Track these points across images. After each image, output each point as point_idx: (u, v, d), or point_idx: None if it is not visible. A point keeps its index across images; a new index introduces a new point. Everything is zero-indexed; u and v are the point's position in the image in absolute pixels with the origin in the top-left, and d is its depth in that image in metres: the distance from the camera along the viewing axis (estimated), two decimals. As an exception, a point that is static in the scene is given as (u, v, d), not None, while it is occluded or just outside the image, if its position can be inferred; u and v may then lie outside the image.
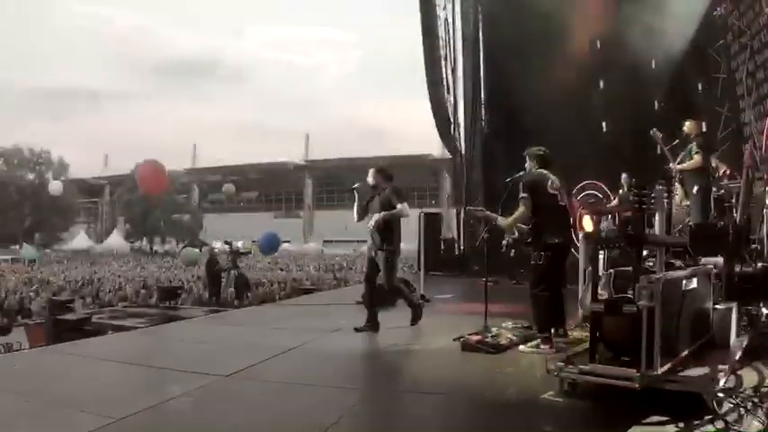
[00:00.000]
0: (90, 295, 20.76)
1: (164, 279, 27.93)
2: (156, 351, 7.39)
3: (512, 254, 9.32)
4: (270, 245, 22.13)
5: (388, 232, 8.78)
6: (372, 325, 8.68)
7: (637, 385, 4.31)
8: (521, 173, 7.47)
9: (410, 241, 15.17)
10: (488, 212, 7.96)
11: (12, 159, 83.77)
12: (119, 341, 8.97)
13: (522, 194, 6.95)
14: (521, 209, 6.98)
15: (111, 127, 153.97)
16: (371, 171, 9.50)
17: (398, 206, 8.74)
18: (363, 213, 9.18)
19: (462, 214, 23.22)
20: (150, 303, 19.25)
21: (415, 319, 8.97)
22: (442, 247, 23.07)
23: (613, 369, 4.58)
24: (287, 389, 5.66)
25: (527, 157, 7.35)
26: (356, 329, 8.54)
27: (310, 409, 4.89)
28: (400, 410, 4.79)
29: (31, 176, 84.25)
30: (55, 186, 58.23)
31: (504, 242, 9.08)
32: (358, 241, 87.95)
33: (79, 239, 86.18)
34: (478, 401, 5.11)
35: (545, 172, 7.10)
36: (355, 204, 9.38)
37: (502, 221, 7.47)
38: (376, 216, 8.65)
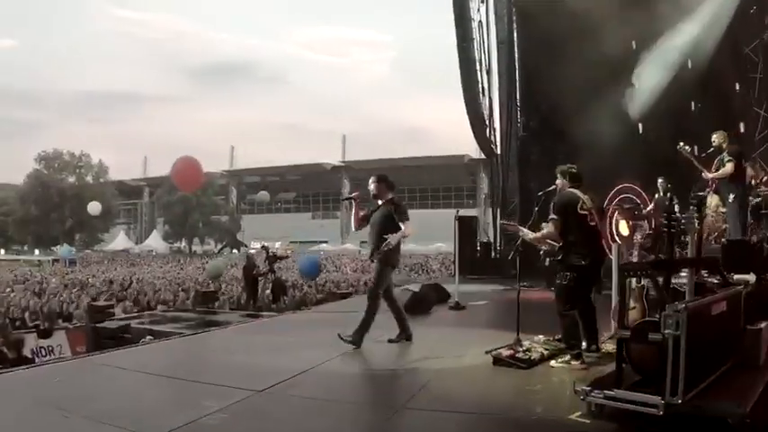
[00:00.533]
0: (129, 298, 21.02)
1: (202, 281, 28.15)
2: (191, 363, 7.47)
3: (547, 263, 9.28)
4: (310, 270, 22.19)
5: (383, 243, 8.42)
6: (405, 335, 8.67)
7: (660, 413, 4.32)
8: (553, 187, 7.46)
9: (449, 243, 15.22)
10: (519, 227, 7.90)
11: (53, 163, 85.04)
12: (156, 352, 9.06)
13: (551, 216, 6.92)
14: (549, 229, 6.96)
15: (150, 129, 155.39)
16: (372, 179, 9.03)
17: (401, 226, 8.49)
18: (364, 223, 8.93)
19: (498, 220, 23.15)
20: (188, 307, 19.43)
21: (356, 334, 8.39)
22: (478, 250, 22.99)
23: (638, 396, 4.57)
24: (317, 405, 5.71)
25: (558, 174, 7.33)
26: (390, 341, 8.55)
27: (339, 428, 4.93)
28: (429, 430, 4.81)
29: (71, 179, 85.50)
30: (94, 207, 58.98)
31: (541, 250, 8.96)
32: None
33: (119, 240, 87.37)
34: (506, 421, 5.12)
35: (576, 192, 7.05)
36: (351, 213, 9.17)
37: (531, 237, 7.45)
38: (389, 240, 8.29)
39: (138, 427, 4.93)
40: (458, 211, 14.87)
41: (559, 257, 7.00)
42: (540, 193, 7.83)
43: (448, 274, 18.75)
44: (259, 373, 6.74)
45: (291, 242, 78.01)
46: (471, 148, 78.45)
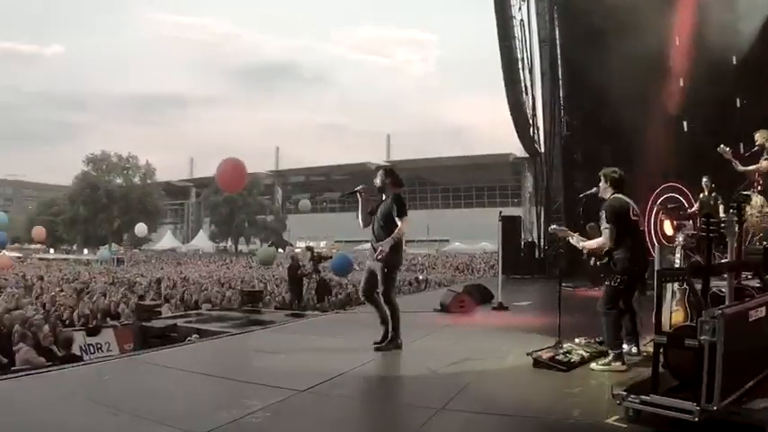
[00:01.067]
0: (176, 297, 21.27)
1: (247, 279, 28.38)
2: (235, 361, 7.57)
3: (592, 262, 9.25)
4: (341, 268, 22.21)
5: (398, 241, 8.26)
6: (395, 344, 8.23)
7: (696, 419, 4.32)
8: (594, 189, 7.43)
9: (494, 242, 15.23)
10: (570, 233, 7.87)
11: (101, 164, 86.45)
12: (201, 351, 9.20)
13: (605, 225, 6.88)
14: (604, 238, 6.94)
15: (196, 130, 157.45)
16: (380, 171, 8.71)
17: (398, 222, 8.16)
18: (369, 220, 8.58)
19: (542, 220, 23.10)
20: (234, 307, 19.62)
21: (392, 342, 8.20)
22: (522, 250, 22.96)
23: (673, 401, 4.57)
24: (358, 406, 5.83)
25: (601, 177, 7.29)
26: (376, 348, 8.18)
27: (378, 428, 5.00)
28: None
29: (119, 180, 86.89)
30: (141, 229, 59.87)
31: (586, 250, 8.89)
32: (440, 241, 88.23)
33: (166, 240, 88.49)
34: (543, 424, 5.13)
35: (625, 198, 7.03)
36: (359, 208, 8.71)
37: (583, 245, 7.43)
38: (381, 244, 8.10)
39: (183, 424, 5.02)
40: (501, 212, 14.80)
41: (610, 261, 6.97)
42: (581, 196, 7.81)
43: (492, 274, 18.69)
44: (301, 373, 6.81)
45: (336, 241, 78.23)
46: (516, 147, 78.05)
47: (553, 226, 8.81)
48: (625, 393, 4.88)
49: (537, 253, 23.45)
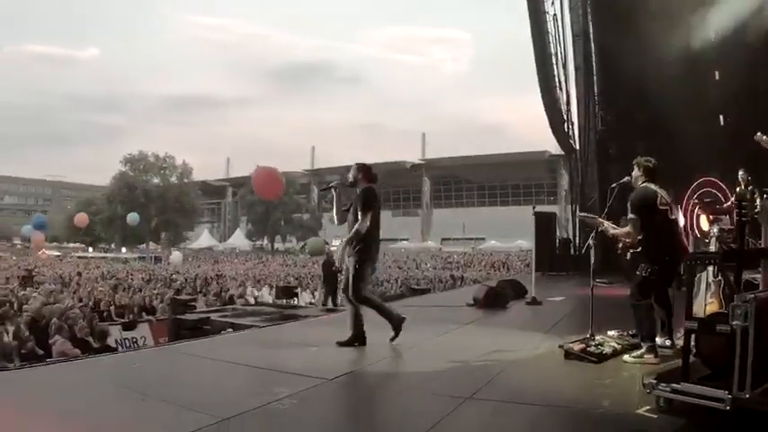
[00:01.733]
0: (211, 293, 21.46)
1: (283, 276, 28.57)
2: (266, 352, 7.58)
3: (628, 256, 9.13)
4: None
5: (358, 237, 7.94)
6: (358, 340, 8.03)
7: (727, 407, 4.23)
8: (626, 178, 7.35)
9: (529, 240, 15.18)
10: (599, 219, 7.76)
11: (138, 164, 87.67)
12: (232, 342, 9.25)
13: (630, 215, 6.80)
14: (629, 228, 6.86)
15: (232, 131, 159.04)
16: (353, 166, 8.42)
17: (360, 218, 7.88)
18: (343, 217, 8.38)
19: (577, 214, 22.91)
20: (268, 302, 19.75)
21: (396, 330, 8.03)
22: (557, 247, 22.82)
23: (705, 389, 4.47)
24: (385, 395, 5.81)
25: (635, 166, 7.20)
26: (339, 344, 7.99)
27: (404, 416, 4.97)
28: (495, 421, 4.79)
29: (156, 180, 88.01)
30: (175, 257, 60.47)
31: (620, 244, 8.76)
32: (475, 239, 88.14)
33: (203, 238, 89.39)
34: (572, 413, 5.08)
35: (653, 187, 6.90)
36: (334, 205, 8.53)
37: (611, 232, 7.34)
38: (344, 240, 8.02)
39: (209, 410, 5.04)
40: (534, 207, 14.71)
41: (641, 251, 6.88)
42: (612, 185, 7.71)
43: (528, 272, 18.56)
44: (331, 364, 6.80)
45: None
46: (551, 145, 77.75)
47: (582, 213, 8.67)
48: (655, 382, 4.80)
49: (572, 250, 23.27)
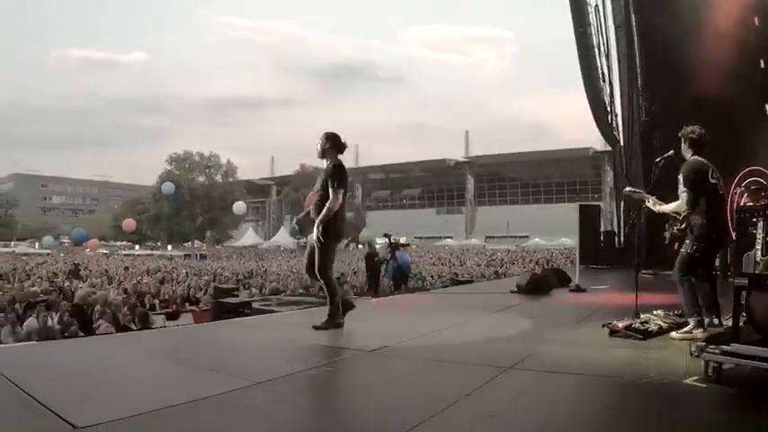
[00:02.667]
0: (255, 286, 21.63)
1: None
2: (306, 330, 7.63)
3: (676, 246, 9.00)
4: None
5: (329, 215, 7.61)
6: (334, 322, 7.71)
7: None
8: (671, 152, 7.24)
9: (574, 237, 15.10)
10: (645, 195, 7.63)
11: (183, 163, 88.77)
12: (271, 321, 9.34)
13: (682, 189, 6.68)
14: (680, 202, 6.74)
15: (275, 131, 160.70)
16: (321, 135, 7.99)
17: (331, 194, 7.56)
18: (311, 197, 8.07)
19: (622, 205, 22.70)
20: (311, 294, 19.87)
21: (331, 319, 7.68)
22: (602, 240, 22.64)
23: (757, 350, 4.34)
24: (423, 365, 5.74)
25: (681, 139, 7.07)
26: (314, 327, 7.68)
27: (443, 384, 4.95)
28: (535, 388, 4.74)
29: (201, 179, 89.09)
30: (239, 207, 61.41)
31: (667, 234, 8.61)
32: (519, 237, 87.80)
33: (248, 236, 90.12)
34: (615, 383, 4.97)
35: (704, 161, 6.78)
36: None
37: (658, 208, 7.22)
38: (317, 222, 7.59)
39: (241, 374, 5.12)
40: (578, 199, 14.67)
41: (685, 227, 6.75)
42: (657, 160, 7.59)
43: (572, 268, 18.42)
44: (370, 338, 6.84)
45: (416, 237, 78.57)
46: (596, 141, 77.33)
47: (627, 188, 8.51)
48: (704, 344, 4.72)
49: (617, 242, 23.04)
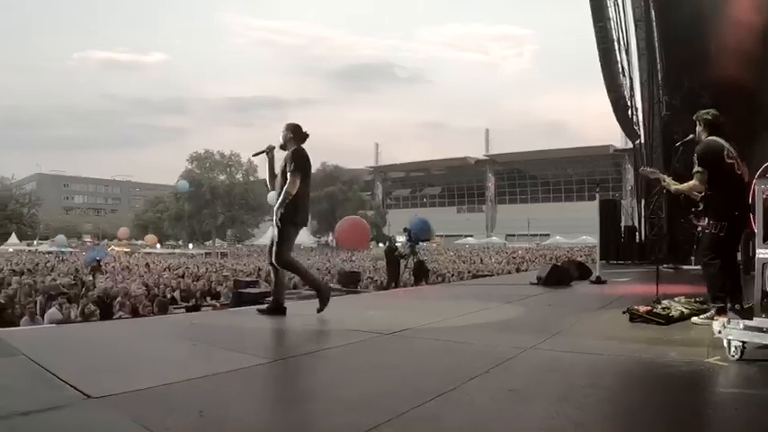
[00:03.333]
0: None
1: (347, 269, 28.76)
2: (325, 314, 7.65)
3: (699, 231, 8.93)
4: (421, 231, 22.04)
5: (286, 198, 7.55)
6: (275, 308, 7.68)
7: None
8: (690, 136, 7.21)
9: (594, 235, 15.05)
10: (661, 174, 7.59)
11: (204, 162, 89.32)
12: (293, 307, 9.42)
13: (696, 168, 6.62)
14: (694, 182, 6.69)
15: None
16: (283, 127, 7.97)
17: (288, 178, 7.49)
18: (273, 181, 8.03)
19: (643, 202, 22.61)
20: (333, 287, 20.00)
21: (323, 302, 7.60)
22: (623, 236, 22.56)
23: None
24: (439, 346, 5.75)
25: (696, 121, 7.05)
26: (259, 311, 7.78)
27: (462, 362, 4.95)
28: (553, 366, 4.71)
29: (222, 177, 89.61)
30: (271, 197, 62.31)
31: (699, 229, 8.50)
32: (540, 235, 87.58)
33: (269, 235, 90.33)
34: (637, 362, 4.93)
35: (718, 140, 6.70)
36: (267, 170, 8.20)
37: (674, 188, 7.17)
38: (275, 207, 7.61)
39: (259, 353, 5.23)
40: (597, 186, 14.61)
41: (705, 209, 6.71)
42: (677, 144, 7.57)
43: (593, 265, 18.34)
44: (388, 323, 6.83)
45: (437, 235, 78.58)
46: (616, 139, 77.08)
47: (643, 167, 8.50)
48: (726, 320, 4.70)
49: (638, 238, 22.94)
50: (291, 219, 7.65)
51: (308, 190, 7.81)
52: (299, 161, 7.61)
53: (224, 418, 3.40)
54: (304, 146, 7.84)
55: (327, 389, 4.09)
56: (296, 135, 7.84)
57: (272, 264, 7.89)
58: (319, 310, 7.53)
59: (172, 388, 3.93)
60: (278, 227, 7.57)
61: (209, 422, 3.30)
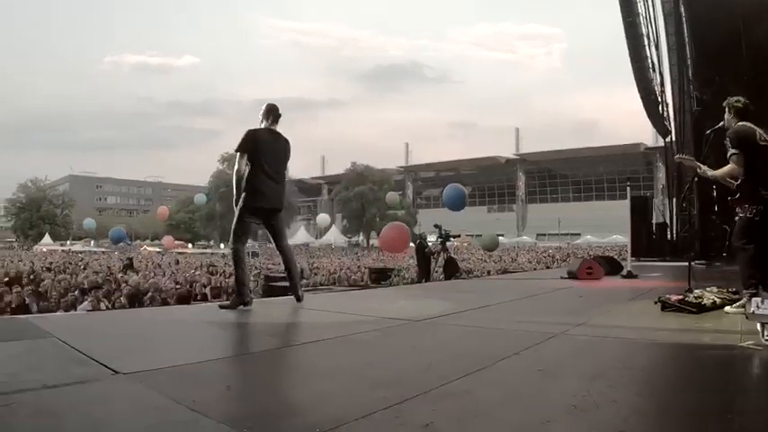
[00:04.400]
0: (306, 278, 21.97)
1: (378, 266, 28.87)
2: (357, 303, 7.70)
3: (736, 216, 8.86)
4: (454, 201, 22.01)
5: (236, 180, 7.54)
6: (239, 299, 7.32)
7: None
8: (721, 123, 7.19)
9: (625, 234, 15.00)
10: (697, 162, 7.57)
11: (235, 162, 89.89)
12: (324, 298, 9.50)
13: (732, 151, 6.58)
14: (731, 165, 6.64)
15: (325, 131, 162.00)
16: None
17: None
18: None
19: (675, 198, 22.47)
20: (361, 284, 20.09)
21: (235, 298, 7.40)
22: (654, 232, 22.42)
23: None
24: (469, 330, 5.80)
25: (726, 108, 7.03)
26: (221, 306, 7.50)
27: (492, 346, 4.97)
28: (584, 350, 4.71)
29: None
30: (323, 219, 63.11)
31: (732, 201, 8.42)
32: (571, 234, 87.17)
33: (299, 235, 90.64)
34: (670, 346, 4.91)
35: (749, 124, 6.73)
36: None
37: (711, 174, 7.14)
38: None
39: (294, 337, 5.46)
40: (628, 181, 14.57)
41: (740, 193, 6.66)
42: (708, 132, 7.56)
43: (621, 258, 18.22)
44: (419, 312, 6.92)
45: (467, 235, 78.56)
46: (647, 137, 76.64)
47: (678, 155, 8.44)
48: (759, 299, 4.70)
49: (669, 234, 22.79)
50: (246, 203, 7.55)
51: (262, 171, 7.55)
52: (243, 140, 7.50)
53: (250, 392, 3.48)
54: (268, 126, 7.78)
55: (356, 368, 4.11)
56: (269, 114, 7.79)
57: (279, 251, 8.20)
58: (223, 306, 7.40)
59: (200, 366, 4.01)
60: (236, 213, 7.56)
61: (235, 395, 3.38)
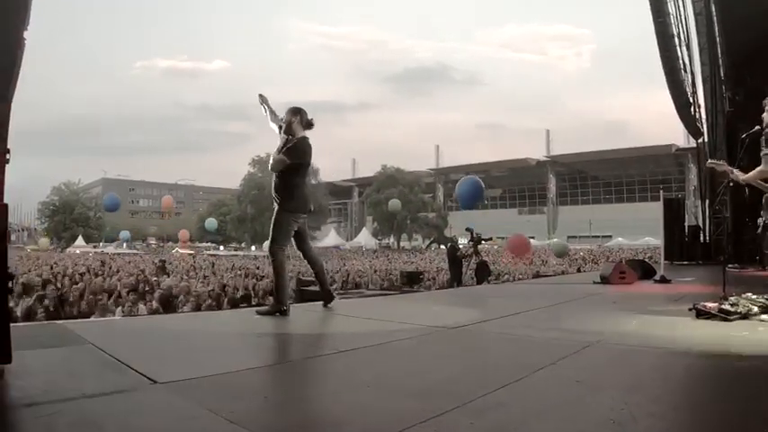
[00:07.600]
0: (338, 281, 22.06)
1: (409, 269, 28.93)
2: (391, 310, 7.71)
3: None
4: (470, 195, 21.98)
5: (282, 186, 7.56)
6: (276, 308, 7.29)
7: None
8: (756, 128, 7.11)
9: (658, 236, 14.90)
10: (729, 167, 7.50)
11: (266, 166, 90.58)
12: (357, 303, 9.50)
13: (765, 151, 6.56)
14: (763, 166, 6.58)
15: (356, 134, 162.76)
16: (287, 110, 7.85)
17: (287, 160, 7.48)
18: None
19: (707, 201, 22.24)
20: (394, 287, 20.12)
21: (274, 305, 7.41)
22: (687, 235, 22.19)
23: None
24: (503, 338, 5.79)
25: (765, 108, 6.94)
26: (258, 312, 7.44)
27: (527, 355, 4.93)
28: (620, 360, 4.66)
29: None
30: (394, 204, 63.83)
31: (761, 220, 8.34)
32: (602, 236, 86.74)
33: (330, 237, 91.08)
34: (706, 355, 4.84)
35: None
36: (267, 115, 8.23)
37: (743, 177, 7.07)
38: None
39: (327, 345, 5.47)
40: (661, 184, 14.43)
41: None
42: (743, 136, 7.47)
43: (653, 262, 18.06)
44: (453, 319, 6.88)
45: (498, 237, 78.44)
46: (678, 138, 75.99)
47: (710, 160, 8.35)
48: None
49: (702, 237, 22.52)
50: (292, 207, 7.56)
51: (304, 180, 7.78)
52: (304, 152, 7.61)
53: (288, 403, 3.53)
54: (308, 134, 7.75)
55: (393, 378, 4.12)
56: (303, 121, 7.76)
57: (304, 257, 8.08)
58: (259, 313, 7.34)
59: (237, 375, 4.04)
60: (275, 215, 7.55)
61: (272, 406, 3.42)
